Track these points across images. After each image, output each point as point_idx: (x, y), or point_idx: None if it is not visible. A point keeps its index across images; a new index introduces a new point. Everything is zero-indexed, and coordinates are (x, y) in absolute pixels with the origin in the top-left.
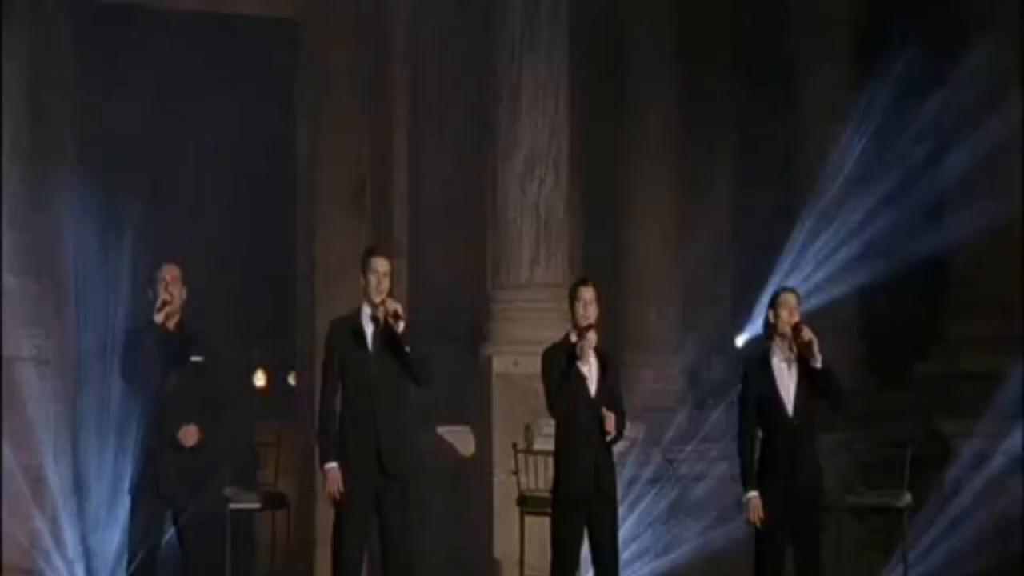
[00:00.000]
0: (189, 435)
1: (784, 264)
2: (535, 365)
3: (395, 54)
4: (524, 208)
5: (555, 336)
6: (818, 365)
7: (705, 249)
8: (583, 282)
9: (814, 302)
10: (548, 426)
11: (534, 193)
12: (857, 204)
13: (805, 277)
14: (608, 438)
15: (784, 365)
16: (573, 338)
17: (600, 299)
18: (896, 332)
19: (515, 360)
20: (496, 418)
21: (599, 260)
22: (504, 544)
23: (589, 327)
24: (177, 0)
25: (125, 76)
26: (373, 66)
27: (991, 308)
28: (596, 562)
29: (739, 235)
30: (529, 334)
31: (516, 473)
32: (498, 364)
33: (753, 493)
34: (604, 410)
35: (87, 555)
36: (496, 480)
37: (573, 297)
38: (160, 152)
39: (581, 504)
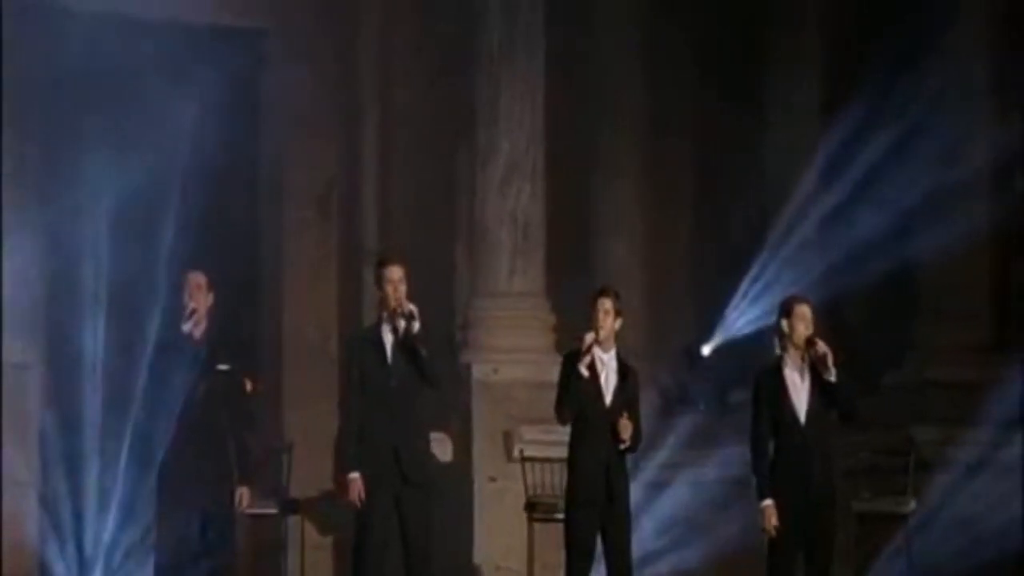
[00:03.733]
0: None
1: (752, 274)
2: (514, 373)
3: (364, 62)
4: (502, 216)
5: (534, 344)
6: (833, 379)
7: (674, 259)
8: (603, 292)
9: None
10: (529, 433)
11: (512, 201)
12: (827, 213)
13: (770, 286)
14: (622, 447)
15: (796, 375)
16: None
17: (620, 309)
18: (867, 341)
19: (494, 368)
20: (476, 425)
21: (571, 269)
22: (485, 549)
23: (599, 331)
24: (145, 9)
25: (90, 84)
26: (342, 74)
27: (962, 317)
28: (609, 565)
29: (708, 245)
30: (508, 342)
31: (524, 479)
32: (477, 372)
33: (768, 502)
34: (623, 420)
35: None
36: (476, 486)
37: (592, 306)
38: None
39: (592, 507)
